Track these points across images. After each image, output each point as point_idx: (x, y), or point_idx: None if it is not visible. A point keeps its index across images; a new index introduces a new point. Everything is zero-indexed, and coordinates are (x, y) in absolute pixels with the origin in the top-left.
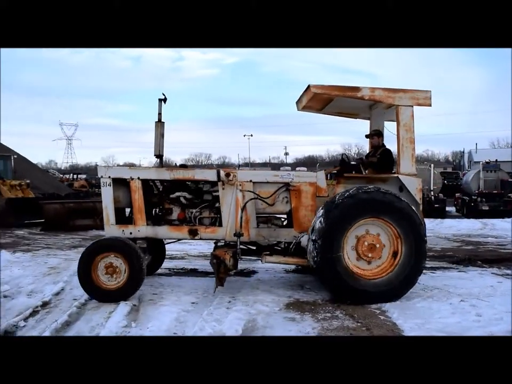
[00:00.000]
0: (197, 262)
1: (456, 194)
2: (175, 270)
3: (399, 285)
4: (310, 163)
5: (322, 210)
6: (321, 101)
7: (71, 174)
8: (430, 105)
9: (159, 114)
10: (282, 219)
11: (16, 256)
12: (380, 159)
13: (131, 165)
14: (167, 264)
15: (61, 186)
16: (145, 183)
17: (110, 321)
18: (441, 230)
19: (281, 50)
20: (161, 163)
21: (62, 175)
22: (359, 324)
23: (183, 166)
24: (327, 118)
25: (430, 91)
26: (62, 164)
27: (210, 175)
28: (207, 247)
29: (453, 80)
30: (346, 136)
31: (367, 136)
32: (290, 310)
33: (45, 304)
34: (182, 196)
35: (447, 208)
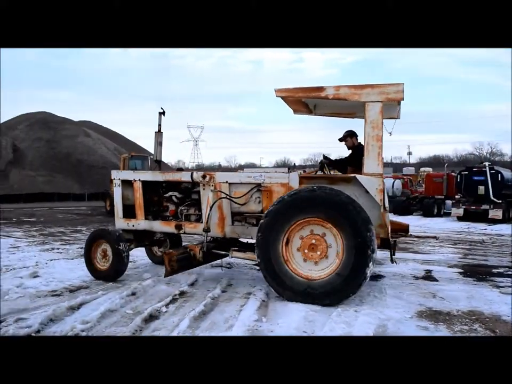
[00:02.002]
0: None
1: None
2: None
3: (343, 282)
4: (435, 163)
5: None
6: (300, 103)
7: None
8: (402, 99)
9: (159, 125)
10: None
11: None
12: (348, 158)
13: (252, 165)
14: None
15: None
16: (148, 184)
17: (242, 315)
18: None
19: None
20: (159, 167)
21: None
22: None
23: (179, 170)
24: (456, 114)
25: (403, 84)
26: (189, 164)
27: (200, 177)
28: None
29: None
30: (477, 134)
31: (340, 140)
32: (422, 318)
33: (182, 293)
34: (174, 195)
35: None
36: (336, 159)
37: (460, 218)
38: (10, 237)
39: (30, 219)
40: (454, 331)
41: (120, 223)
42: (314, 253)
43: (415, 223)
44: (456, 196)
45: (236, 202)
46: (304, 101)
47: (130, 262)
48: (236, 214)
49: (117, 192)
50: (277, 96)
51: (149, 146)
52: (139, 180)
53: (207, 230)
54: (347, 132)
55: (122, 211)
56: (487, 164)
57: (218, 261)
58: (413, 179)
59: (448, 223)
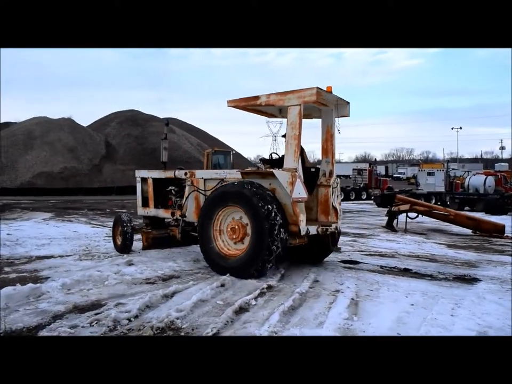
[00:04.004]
0: (409, 262)
1: None
2: (387, 268)
3: (247, 261)
4: None
5: None
6: (256, 110)
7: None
8: (315, 101)
9: (165, 134)
10: None
11: None
12: (281, 157)
13: None
14: (378, 261)
15: None
16: (156, 180)
17: (332, 312)
18: None
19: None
20: (165, 167)
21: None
22: None
23: (180, 169)
24: None
25: (315, 88)
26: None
27: (183, 174)
28: (417, 247)
29: None
30: None
31: (283, 136)
32: None
33: (269, 287)
34: (172, 188)
35: None
36: (274, 158)
37: None
38: (105, 226)
39: (121, 210)
40: None
41: (140, 210)
42: (235, 235)
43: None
44: None
45: (204, 194)
46: (259, 109)
47: None
48: None
49: (138, 187)
50: (228, 107)
51: (230, 142)
52: (150, 177)
53: (182, 216)
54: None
55: (142, 201)
56: None
57: None
58: (507, 176)
59: None
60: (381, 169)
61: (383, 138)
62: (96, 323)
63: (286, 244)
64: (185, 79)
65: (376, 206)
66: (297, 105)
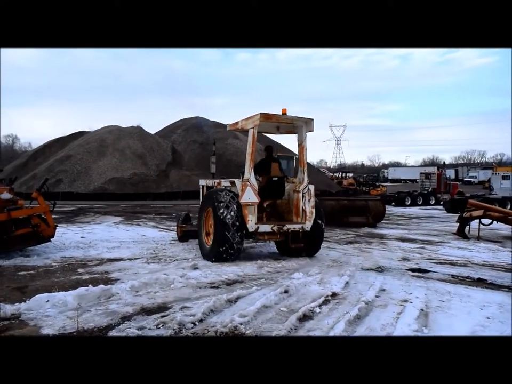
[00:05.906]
0: (483, 272)
1: None
2: (459, 278)
3: (212, 249)
4: None
5: None
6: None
7: (340, 173)
8: (258, 125)
9: (213, 151)
10: None
11: None
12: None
13: (396, 164)
14: (449, 270)
15: (331, 184)
16: (208, 187)
17: (400, 323)
18: None
19: None
20: (213, 177)
21: (331, 174)
22: None
23: (222, 178)
24: None
25: (259, 113)
26: (331, 163)
27: (212, 183)
28: (491, 256)
29: None
30: None
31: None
32: None
33: (334, 295)
34: None
35: None
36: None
37: None
38: (171, 230)
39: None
40: None
41: None
42: (212, 229)
43: None
44: None
45: None
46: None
47: (281, 259)
48: None
49: (200, 192)
50: (227, 130)
51: (293, 146)
52: (204, 185)
53: None
54: (265, 146)
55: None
56: None
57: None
58: None
59: None
60: (450, 173)
61: (453, 141)
62: (162, 325)
63: (242, 236)
64: (251, 84)
65: (445, 211)
66: (251, 128)
